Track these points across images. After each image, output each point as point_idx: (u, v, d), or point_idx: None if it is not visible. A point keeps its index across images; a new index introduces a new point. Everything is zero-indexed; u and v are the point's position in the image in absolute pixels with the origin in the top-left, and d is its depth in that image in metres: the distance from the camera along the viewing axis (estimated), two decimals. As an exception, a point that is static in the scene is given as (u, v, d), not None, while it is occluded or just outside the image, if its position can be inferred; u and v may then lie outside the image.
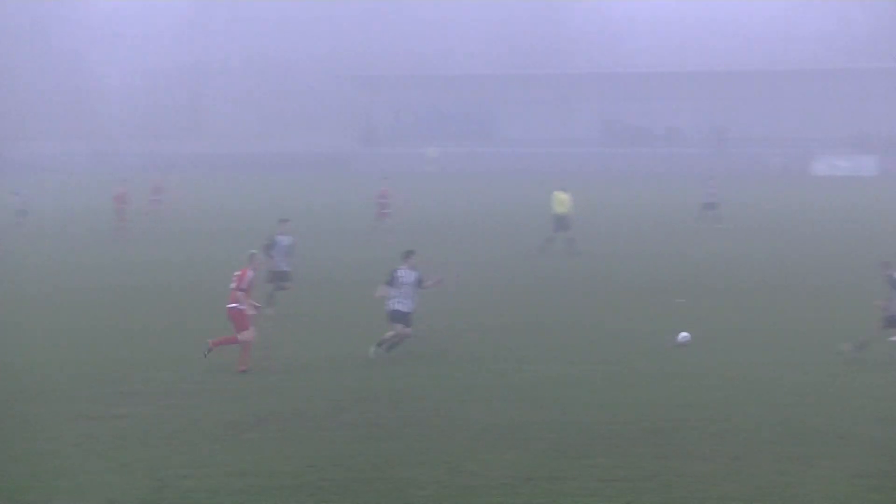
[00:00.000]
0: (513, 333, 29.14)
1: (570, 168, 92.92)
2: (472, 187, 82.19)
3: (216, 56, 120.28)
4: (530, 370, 24.98)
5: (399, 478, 17.77)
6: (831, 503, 16.70)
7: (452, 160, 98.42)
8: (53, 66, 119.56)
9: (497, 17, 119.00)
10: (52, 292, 36.56)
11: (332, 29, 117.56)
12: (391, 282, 25.85)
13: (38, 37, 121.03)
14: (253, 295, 25.66)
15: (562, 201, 45.38)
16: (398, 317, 25.86)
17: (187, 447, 19.31)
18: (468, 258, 43.43)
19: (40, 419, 21.09)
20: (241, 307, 24.86)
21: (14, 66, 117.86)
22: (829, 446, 19.17)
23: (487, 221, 59.14)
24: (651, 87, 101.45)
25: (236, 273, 25.25)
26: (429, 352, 26.76)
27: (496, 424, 20.57)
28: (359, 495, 17.05)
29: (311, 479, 17.65)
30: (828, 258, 42.93)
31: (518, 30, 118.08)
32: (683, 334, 27.41)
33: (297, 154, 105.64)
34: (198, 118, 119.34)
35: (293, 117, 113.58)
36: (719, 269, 40.38)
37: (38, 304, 34.40)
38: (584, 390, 23.14)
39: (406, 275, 25.85)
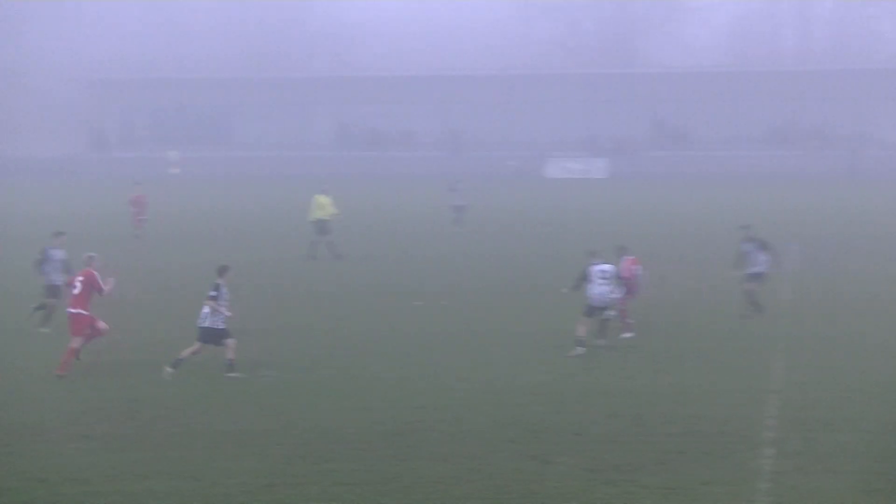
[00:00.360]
0: (248, 339, 28.83)
1: (307, 172, 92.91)
2: (215, 192, 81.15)
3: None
4: (269, 376, 24.72)
5: (136, 490, 17.30)
6: (568, 498, 17.00)
7: (189, 165, 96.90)
8: None
9: (233, 20, 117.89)
10: None
11: (63, 31, 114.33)
12: (216, 297, 24.45)
13: None
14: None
15: (322, 205, 44.90)
16: (208, 335, 24.60)
17: None
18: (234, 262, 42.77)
19: None
20: (84, 313, 24.53)
21: None
22: (565, 443, 19.55)
23: (240, 226, 58.35)
24: (386, 90, 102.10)
25: (79, 277, 24.75)
26: (164, 359, 26.18)
27: (235, 432, 20.28)
28: (93, 510, 16.56)
29: (42, 495, 17.01)
30: (561, 258, 43.84)
31: (254, 33, 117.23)
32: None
33: (23, 159, 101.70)
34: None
35: (20, 121, 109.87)
36: (459, 271, 40.83)
37: None
38: (323, 395, 23.02)
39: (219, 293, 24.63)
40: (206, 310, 24.53)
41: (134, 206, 51.32)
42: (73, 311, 24.85)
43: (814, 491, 17.17)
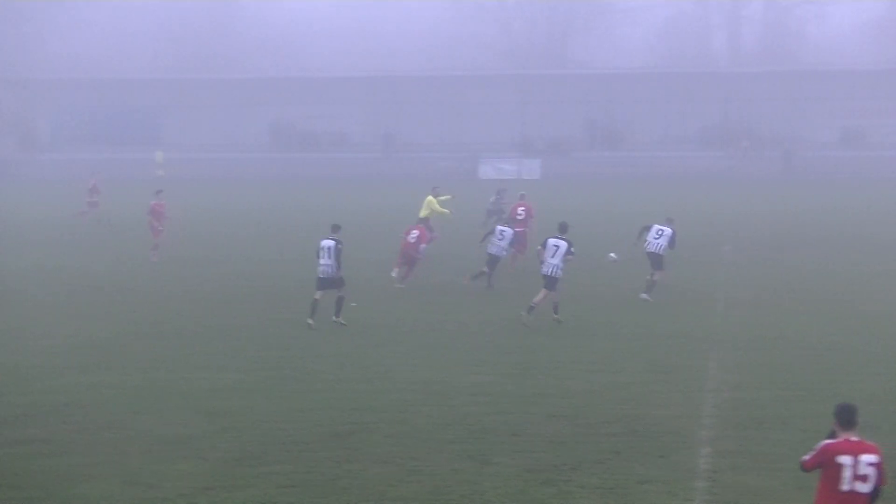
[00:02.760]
0: (181, 338, 28.68)
1: (240, 173, 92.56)
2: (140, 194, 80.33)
3: None
4: (201, 378, 24.57)
5: (71, 494, 17.15)
6: (506, 499, 17.05)
7: (118, 166, 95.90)
8: None
9: (165, 20, 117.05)
10: None
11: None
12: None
13: None
14: None
15: None
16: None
17: None
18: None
19: None
20: None
21: None
22: (504, 444, 19.60)
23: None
24: (319, 92, 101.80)
25: None
26: (91, 362, 25.99)
27: (172, 435, 20.13)
28: (28, 515, 16.38)
29: (-24, 501, 16.84)
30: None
31: (187, 34, 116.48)
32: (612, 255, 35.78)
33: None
34: None
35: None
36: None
37: None
38: (258, 397, 22.89)
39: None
40: (326, 261, 29.69)
41: (153, 216, 44.85)
42: None
43: (749, 489, 17.35)
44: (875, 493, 12.86)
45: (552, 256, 30.57)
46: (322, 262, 29.93)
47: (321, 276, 29.96)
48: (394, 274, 37.08)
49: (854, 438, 12.94)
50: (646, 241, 35.04)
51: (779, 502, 16.91)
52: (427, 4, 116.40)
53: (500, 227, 36.94)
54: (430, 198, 43.19)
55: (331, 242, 30.00)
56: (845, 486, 12.73)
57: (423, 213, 42.45)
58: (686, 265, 41.61)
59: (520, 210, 42.16)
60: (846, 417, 12.98)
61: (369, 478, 17.88)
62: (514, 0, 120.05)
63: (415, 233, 37.58)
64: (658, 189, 78.23)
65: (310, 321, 29.80)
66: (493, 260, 36.69)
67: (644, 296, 34.09)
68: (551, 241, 30.75)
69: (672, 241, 34.82)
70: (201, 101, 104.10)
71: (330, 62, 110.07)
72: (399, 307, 33.35)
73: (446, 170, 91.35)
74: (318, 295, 30.01)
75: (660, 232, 34.81)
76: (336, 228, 30.47)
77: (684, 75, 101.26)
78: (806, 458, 13.25)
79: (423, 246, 37.63)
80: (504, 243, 36.53)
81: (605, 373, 24.91)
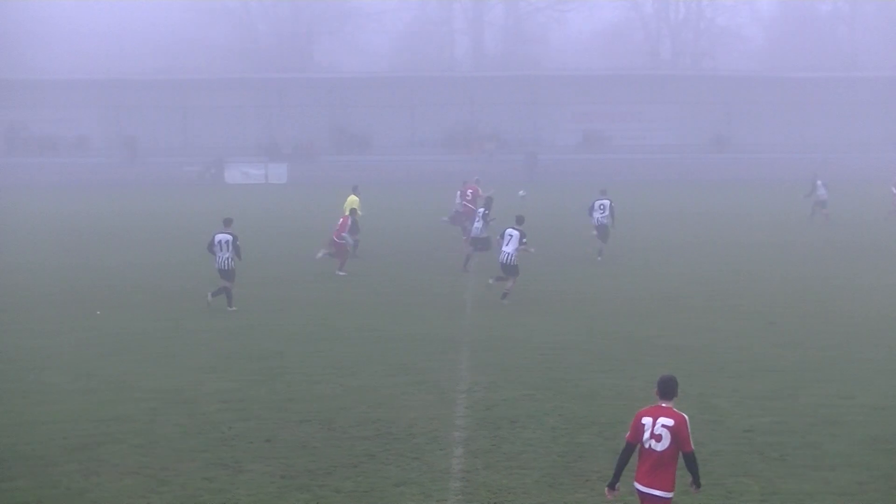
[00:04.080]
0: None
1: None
2: None
3: None
4: None
5: None
6: (260, 506, 16.84)
7: None
8: None
9: None
10: None
11: None
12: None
13: None
14: None
15: None
16: None
17: None
18: None
19: None
20: None
21: None
22: (256, 450, 19.33)
23: None
24: (58, 94, 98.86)
25: None
26: None
27: None
28: None
29: None
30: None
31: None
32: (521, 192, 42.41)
33: None
34: None
35: None
36: (137, 277, 39.82)
37: None
38: None
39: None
40: (225, 254, 32.48)
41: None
42: None
43: (503, 488, 17.51)
44: (688, 459, 14.08)
45: (506, 245, 33.99)
46: (221, 255, 32.52)
47: (222, 267, 32.66)
48: (319, 255, 40.74)
49: (665, 405, 14.16)
50: (594, 217, 42.57)
51: (531, 500, 17.10)
52: (170, 7, 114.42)
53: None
54: (353, 197, 45.31)
55: (227, 237, 32.56)
56: (645, 444, 14.05)
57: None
58: (434, 267, 41.96)
59: (468, 192, 49.83)
60: (661, 388, 14.23)
61: (119, 489, 17.38)
62: (259, 3, 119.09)
63: (340, 220, 41.18)
64: (405, 191, 78.77)
65: (231, 308, 32.64)
66: (480, 243, 40.20)
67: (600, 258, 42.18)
68: (507, 231, 34.31)
69: (614, 211, 42.86)
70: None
71: (69, 64, 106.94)
72: (142, 315, 32.61)
73: (192, 175, 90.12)
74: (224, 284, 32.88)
75: (602, 206, 42.66)
76: (228, 222, 33.07)
77: (429, 79, 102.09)
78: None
79: (344, 234, 40.62)
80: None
81: (357, 376, 24.83)
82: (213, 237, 32.85)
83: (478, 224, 40.58)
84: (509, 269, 34.07)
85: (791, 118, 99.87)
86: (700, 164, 70.29)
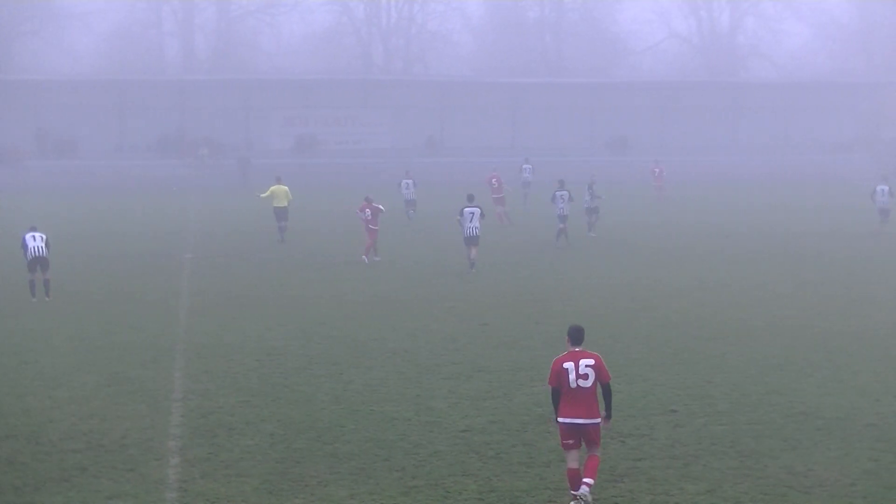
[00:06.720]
0: None
1: None
2: None
3: None
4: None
5: None
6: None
7: None
8: None
9: None
10: None
11: None
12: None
13: None
14: None
15: None
16: None
17: None
18: None
19: None
20: None
21: None
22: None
23: None
24: None
25: None
26: None
27: None
28: None
29: None
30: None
31: None
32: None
33: None
34: None
35: None
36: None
37: None
38: None
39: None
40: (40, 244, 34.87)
41: None
42: None
43: (221, 496, 17.14)
44: (606, 388, 16.43)
45: (470, 221, 40.17)
46: (36, 246, 34.68)
47: (38, 256, 34.69)
48: (367, 260, 43.55)
49: (578, 350, 16.44)
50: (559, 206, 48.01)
51: (250, 508, 16.83)
52: None
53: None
54: (284, 187, 50.90)
55: (40, 234, 35.09)
56: (572, 385, 16.22)
57: (283, 203, 50.61)
58: (146, 274, 41.09)
59: (493, 181, 59.39)
60: (574, 335, 16.51)
61: None
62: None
63: (365, 209, 44.21)
64: (114, 197, 77.01)
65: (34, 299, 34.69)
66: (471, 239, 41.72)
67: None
68: (467, 210, 40.40)
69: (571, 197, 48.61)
70: None
71: None
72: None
73: None
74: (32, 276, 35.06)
75: (563, 196, 48.13)
76: (34, 228, 35.49)
77: (138, 83, 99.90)
78: (548, 379, 16.53)
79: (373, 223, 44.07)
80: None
81: (66, 387, 23.98)
82: (25, 237, 34.99)
83: (471, 224, 42.13)
84: (475, 240, 40.43)
85: (501, 121, 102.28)
86: (414, 167, 71.01)
